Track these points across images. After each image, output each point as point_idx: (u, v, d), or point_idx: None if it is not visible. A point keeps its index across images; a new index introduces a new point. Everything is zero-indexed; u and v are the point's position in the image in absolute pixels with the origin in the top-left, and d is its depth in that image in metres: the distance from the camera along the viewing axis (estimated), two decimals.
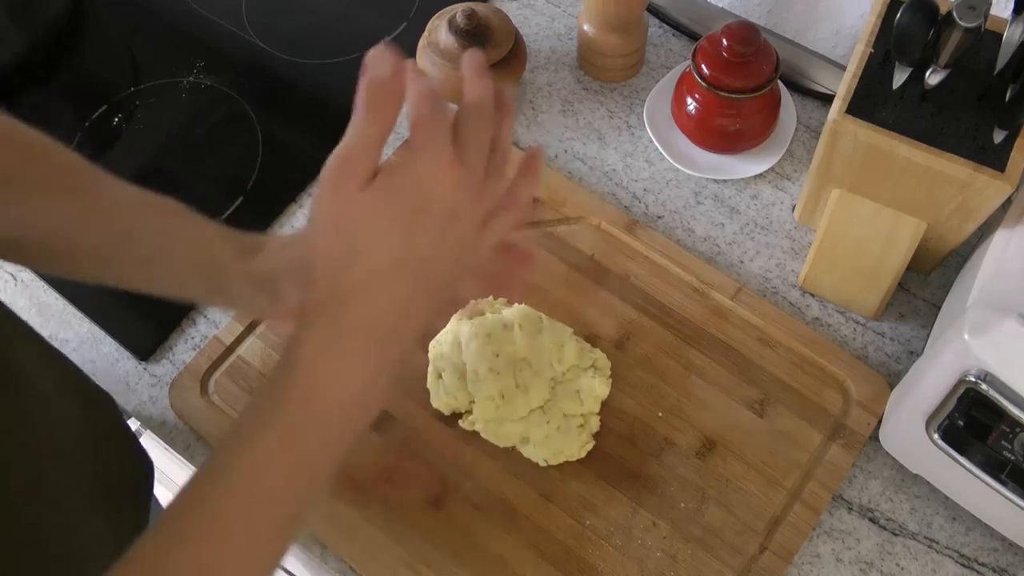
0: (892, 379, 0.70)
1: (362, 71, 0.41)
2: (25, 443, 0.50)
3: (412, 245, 0.43)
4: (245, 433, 0.42)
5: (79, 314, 0.78)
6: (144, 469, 0.68)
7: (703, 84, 0.75)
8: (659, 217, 0.80)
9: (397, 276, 0.43)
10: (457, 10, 0.81)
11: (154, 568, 0.38)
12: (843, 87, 0.64)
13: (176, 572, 0.38)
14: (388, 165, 0.43)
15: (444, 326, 0.70)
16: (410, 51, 0.85)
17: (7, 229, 0.51)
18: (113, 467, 0.62)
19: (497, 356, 0.66)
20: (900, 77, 0.63)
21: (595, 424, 0.67)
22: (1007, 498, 0.58)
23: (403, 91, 0.42)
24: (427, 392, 0.69)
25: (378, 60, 0.41)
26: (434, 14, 0.83)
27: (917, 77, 0.63)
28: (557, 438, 0.66)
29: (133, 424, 0.79)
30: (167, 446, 0.72)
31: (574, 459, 0.67)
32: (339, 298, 0.43)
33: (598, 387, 0.67)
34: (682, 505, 0.66)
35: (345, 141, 0.43)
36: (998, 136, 0.61)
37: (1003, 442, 0.56)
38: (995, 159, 0.60)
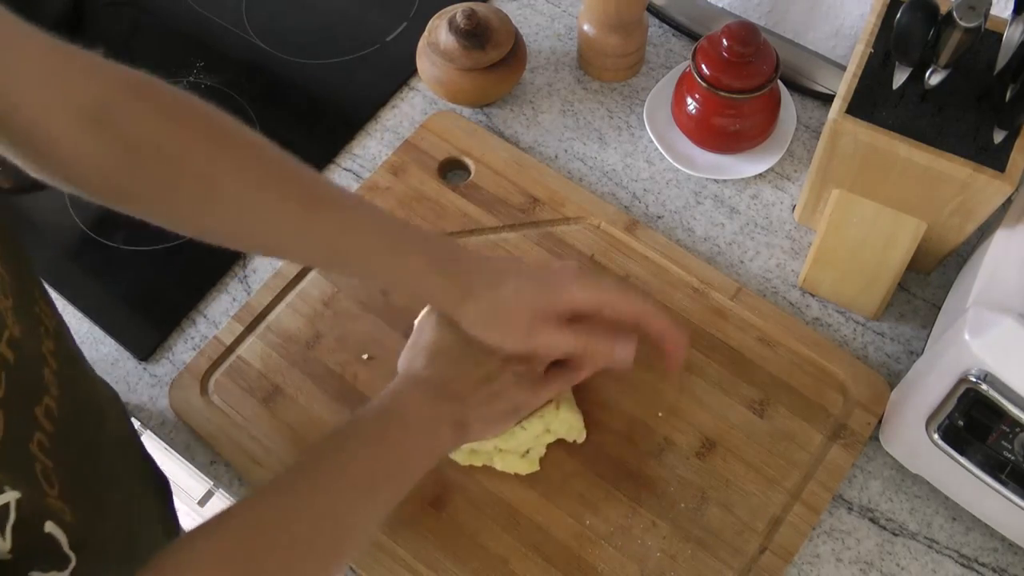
0: (892, 379, 0.70)
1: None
2: (94, 415, 0.54)
3: (471, 352, 0.60)
4: (346, 436, 0.55)
5: (79, 314, 0.78)
6: (163, 479, 0.69)
7: (703, 84, 0.75)
8: (659, 217, 0.80)
9: (454, 366, 0.60)
10: (457, 10, 0.81)
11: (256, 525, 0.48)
12: (843, 87, 0.64)
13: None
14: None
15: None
16: (410, 51, 0.85)
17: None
18: (140, 465, 0.64)
19: None
20: (900, 77, 0.63)
21: (541, 451, 0.67)
22: (1007, 498, 0.58)
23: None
24: None
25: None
26: (434, 14, 0.84)
27: (917, 77, 0.63)
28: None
29: (133, 424, 0.79)
30: (167, 446, 0.72)
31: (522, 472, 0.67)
32: (417, 370, 0.60)
33: (573, 421, 0.67)
34: (682, 505, 0.66)
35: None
36: (998, 136, 0.61)
37: (1003, 442, 0.56)
38: (995, 159, 0.60)
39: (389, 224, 0.59)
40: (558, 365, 0.62)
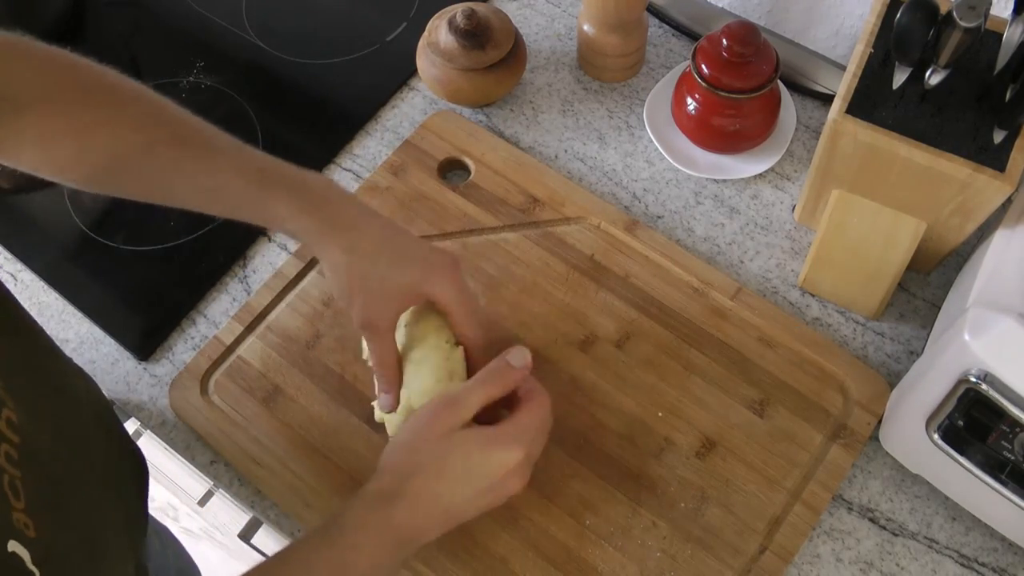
0: (892, 379, 0.70)
1: (504, 354, 0.57)
2: (47, 399, 0.53)
3: (459, 497, 0.54)
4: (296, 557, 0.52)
5: (79, 314, 0.78)
6: (140, 459, 0.68)
7: (703, 84, 0.76)
8: (659, 217, 0.80)
9: (435, 508, 0.54)
10: (457, 10, 0.81)
11: None
12: (843, 87, 0.64)
13: None
14: (481, 427, 0.56)
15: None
16: (410, 51, 0.85)
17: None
18: (115, 448, 0.63)
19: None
20: (900, 77, 0.63)
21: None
22: (1007, 498, 0.58)
23: (518, 382, 0.57)
24: None
25: (519, 355, 0.57)
26: (434, 14, 0.84)
27: (917, 77, 0.63)
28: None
29: (133, 424, 0.79)
30: (167, 446, 0.72)
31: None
32: (389, 497, 0.54)
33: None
34: (682, 505, 0.66)
35: (461, 391, 0.56)
36: (998, 136, 0.61)
37: (1003, 442, 0.56)
38: (995, 159, 0.60)
39: (258, 164, 0.59)
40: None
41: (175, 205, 0.60)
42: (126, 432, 0.68)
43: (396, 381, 0.61)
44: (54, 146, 0.57)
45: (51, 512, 0.47)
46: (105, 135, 0.57)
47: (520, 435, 0.55)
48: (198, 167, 0.58)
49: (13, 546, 0.42)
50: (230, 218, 0.60)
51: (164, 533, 0.89)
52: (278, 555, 0.52)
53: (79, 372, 0.65)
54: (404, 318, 0.64)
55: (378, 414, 0.64)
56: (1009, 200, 0.64)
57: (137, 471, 0.67)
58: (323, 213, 0.58)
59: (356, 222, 0.59)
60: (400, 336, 0.63)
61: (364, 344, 0.64)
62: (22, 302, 0.78)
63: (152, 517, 0.86)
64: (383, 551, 0.53)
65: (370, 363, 0.62)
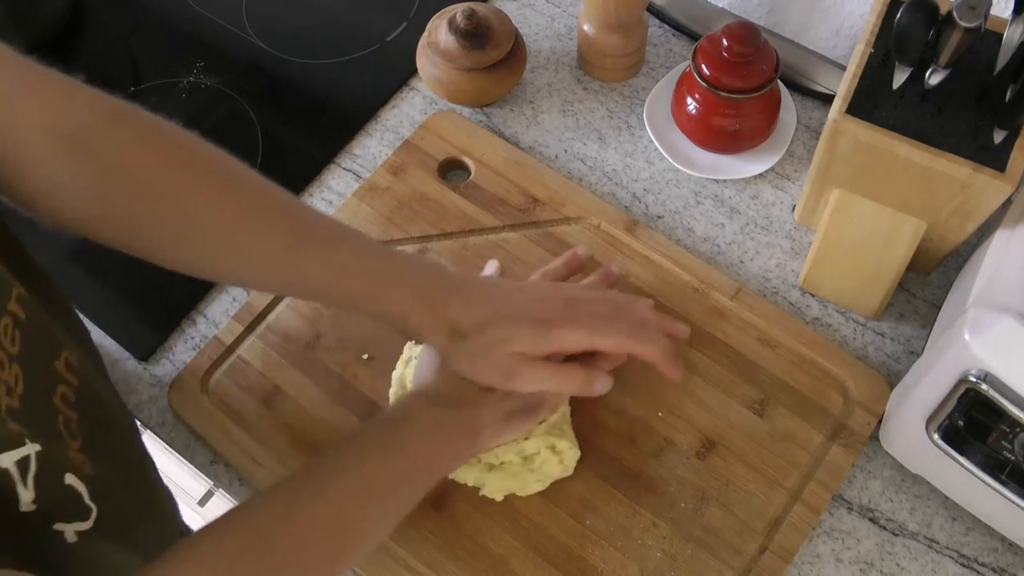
0: (892, 379, 0.70)
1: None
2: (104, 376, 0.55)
3: (514, 292, 0.60)
4: (354, 444, 0.56)
5: (79, 314, 0.78)
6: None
7: (703, 84, 0.76)
8: (659, 217, 0.80)
9: (489, 293, 0.60)
10: (457, 10, 0.81)
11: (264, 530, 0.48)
12: (843, 87, 0.64)
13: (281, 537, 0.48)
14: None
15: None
16: (410, 51, 0.85)
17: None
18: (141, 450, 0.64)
19: None
20: (900, 77, 0.63)
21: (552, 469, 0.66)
22: (1007, 498, 0.58)
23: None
24: None
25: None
26: (434, 14, 0.84)
27: (917, 77, 0.63)
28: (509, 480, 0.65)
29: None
30: (167, 446, 0.72)
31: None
32: (426, 383, 0.60)
33: (557, 467, 0.66)
34: (682, 505, 0.66)
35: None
36: (998, 136, 0.61)
37: (1003, 442, 0.56)
38: (995, 159, 0.60)
39: (373, 259, 0.58)
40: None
41: (278, 293, 0.62)
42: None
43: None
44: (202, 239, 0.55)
45: (106, 456, 0.48)
46: (214, 218, 0.54)
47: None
48: (312, 263, 0.56)
49: (70, 479, 0.43)
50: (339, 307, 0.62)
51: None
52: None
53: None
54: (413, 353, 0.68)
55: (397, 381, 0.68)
56: (1009, 200, 0.64)
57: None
58: (438, 304, 0.58)
59: (466, 307, 0.59)
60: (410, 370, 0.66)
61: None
62: None
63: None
64: (437, 418, 0.56)
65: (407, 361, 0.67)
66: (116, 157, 0.51)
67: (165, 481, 0.68)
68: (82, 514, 0.44)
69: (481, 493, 0.65)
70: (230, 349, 0.73)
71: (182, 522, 0.69)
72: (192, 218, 0.53)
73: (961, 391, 0.56)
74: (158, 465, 0.68)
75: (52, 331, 0.46)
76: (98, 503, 0.44)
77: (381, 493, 0.54)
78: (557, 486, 0.66)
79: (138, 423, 0.74)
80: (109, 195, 0.52)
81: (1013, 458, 0.56)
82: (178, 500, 0.75)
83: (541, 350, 0.58)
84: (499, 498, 0.65)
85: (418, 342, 0.67)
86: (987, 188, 0.61)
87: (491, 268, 0.73)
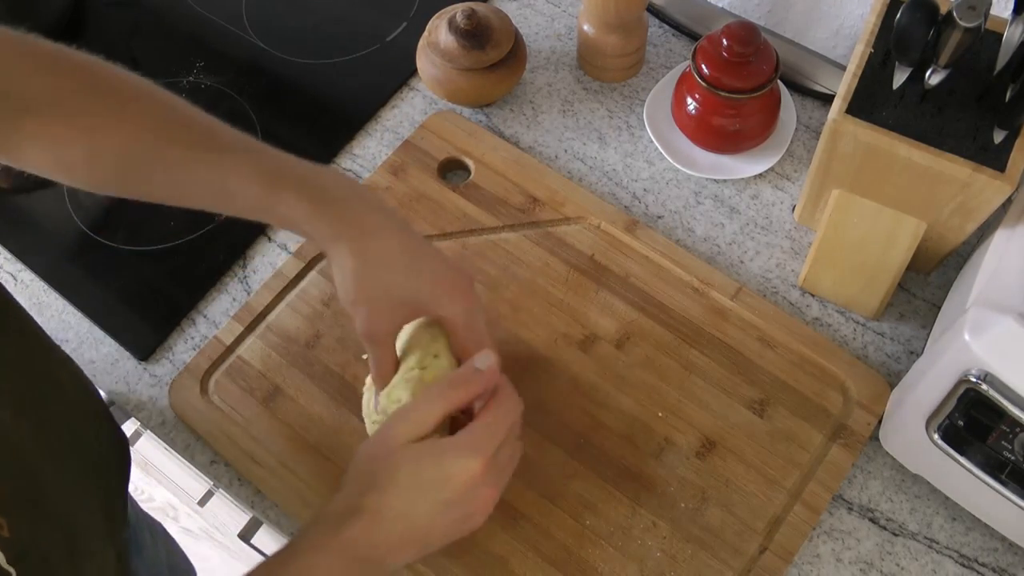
0: (892, 379, 0.70)
1: (470, 363, 0.55)
2: (29, 393, 0.53)
3: (419, 513, 0.52)
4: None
5: (79, 314, 0.78)
6: (125, 450, 0.68)
7: (703, 84, 0.76)
8: (659, 217, 0.80)
9: (394, 524, 0.51)
10: (457, 10, 0.81)
11: None
12: (843, 87, 0.64)
13: None
14: (436, 438, 0.54)
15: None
16: (410, 51, 0.85)
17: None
18: (101, 440, 0.63)
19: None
20: (900, 77, 0.63)
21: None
22: (1007, 498, 0.58)
23: (486, 387, 0.54)
24: None
25: (484, 358, 0.55)
26: (434, 14, 0.84)
27: (917, 77, 0.63)
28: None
29: (133, 424, 0.79)
30: (167, 446, 0.72)
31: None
32: (345, 515, 0.51)
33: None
34: (682, 505, 0.66)
35: (418, 402, 0.54)
36: (998, 136, 0.61)
37: (1003, 442, 0.56)
38: (995, 159, 0.60)
39: (270, 164, 0.57)
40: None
41: (186, 206, 0.59)
42: (114, 422, 0.68)
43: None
44: (62, 148, 0.56)
45: (28, 509, 0.47)
46: (114, 137, 0.56)
47: (477, 442, 0.52)
48: (209, 169, 0.57)
49: None
50: (244, 217, 0.59)
51: (156, 528, 0.89)
52: None
53: (67, 361, 0.64)
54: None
55: (364, 407, 0.64)
56: (1009, 200, 0.64)
57: (121, 461, 0.67)
58: (337, 216, 0.56)
59: (372, 227, 0.57)
60: (400, 339, 0.62)
61: (365, 345, 0.63)
62: (22, 302, 0.79)
63: (145, 512, 0.86)
64: (341, 570, 0.50)
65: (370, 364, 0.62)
66: (18, 84, 0.54)
67: (162, 488, 0.67)
68: None
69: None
70: (230, 349, 0.73)
71: (124, 542, 0.66)
72: (94, 136, 0.56)
73: (961, 391, 0.56)
74: (161, 468, 0.67)
75: None
76: (16, 565, 0.43)
77: None
78: (557, 486, 0.66)
79: (138, 423, 0.74)
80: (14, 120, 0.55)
81: (1013, 458, 0.56)
82: (178, 500, 0.75)
83: (419, 302, 0.57)
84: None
85: (322, 251, 0.61)
86: (987, 188, 0.61)
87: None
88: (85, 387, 0.65)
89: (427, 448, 0.52)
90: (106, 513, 0.59)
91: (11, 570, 0.42)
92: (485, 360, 0.55)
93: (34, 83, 0.55)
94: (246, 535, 0.85)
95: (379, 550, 0.51)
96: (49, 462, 0.51)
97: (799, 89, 0.85)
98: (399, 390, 0.59)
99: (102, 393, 0.78)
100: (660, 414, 0.69)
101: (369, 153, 0.85)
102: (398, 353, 0.61)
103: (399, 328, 0.60)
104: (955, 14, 0.56)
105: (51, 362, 0.59)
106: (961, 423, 0.58)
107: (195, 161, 0.57)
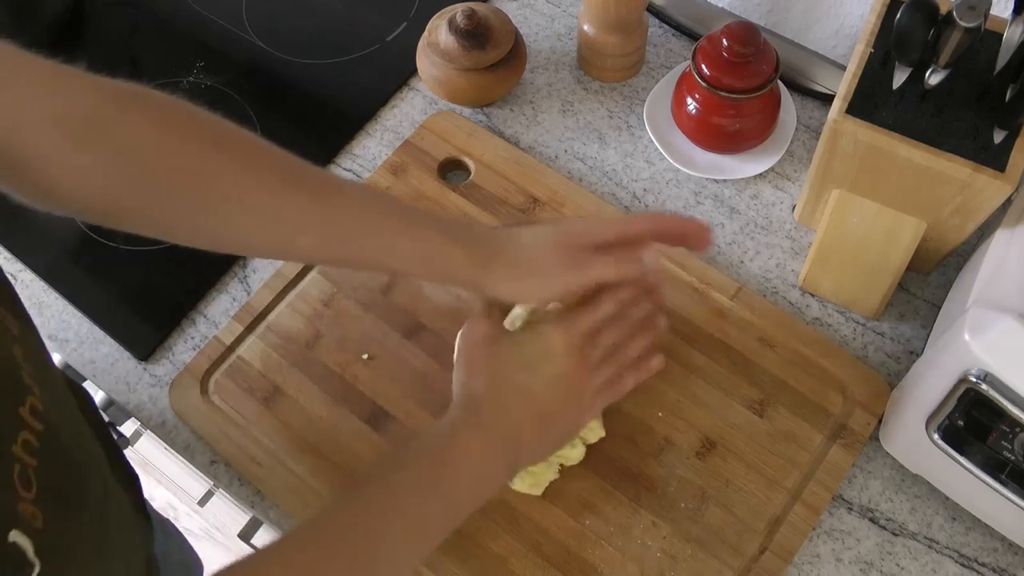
0: (892, 379, 0.70)
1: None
2: (58, 396, 0.52)
3: (529, 383, 0.57)
4: (396, 481, 0.53)
5: (79, 314, 0.78)
6: (131, 471, 0.69)
7: (703, 84, 0.76)
8: None
9: (519, 397, 0.56)
10: (457, 10, 0.81)
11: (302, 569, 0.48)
12: (843, 87, 0.64)
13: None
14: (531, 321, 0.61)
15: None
16: (410, 51, 0.85)
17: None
18: (109, 445, 0.63)
19: None
20: (900, 77, 0.63)
21: (576, 455, 0.66)
22: (1007, 498, 0.58)
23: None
24: (425, 391, 0.70)
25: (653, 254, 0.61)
26: (434, 14, 0.84)
27: (917, 77, 0.63)
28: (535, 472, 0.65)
29: (133, 424, 0.79)
30: (167, 446, 0.72)
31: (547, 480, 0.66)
32: (474, 403, 0.56)
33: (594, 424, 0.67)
34: (682, 505, 0.66)
35: (482, 311, 0.60)
36: (998, 136, 0.61)
37: (1003, 442, 0.56)
38: (995, 159, 0.60)
39: (399, 204, 0.59)
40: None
41: (315, 261, 0.63)
42: (110, 432, 0.68)
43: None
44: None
45: (63, 503, 0.47)
46: (236, 186, 0.54)
47: (565, 319, 0.58)
48: (341, 212, 0.57)
49: (15, 536, 0.41)
50: (368, 263, 0.60)
51: (167, 526, 0.89)
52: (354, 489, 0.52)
53: (70, 377, 0.65)
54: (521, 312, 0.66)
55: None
56: (1009, 200, 0.64)
57: (126, 464, 0.68)
58: (475, 243, 0.58)
59: (501, 240, 0.59)
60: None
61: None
62: (22, 302, 0.79)
63: (155, 510, 0.86)
64: (480, 449, 0.54)
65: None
66: (131, 139, 0.52)
67: (162, 488, 0.67)
68: (20, 571, 0.42)
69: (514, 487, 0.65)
70: (230, 349, 0.73)
71: (152, 545, 0.67)
72: (212, 190, 0.54)
73: (961, 391, 0.56)
74: (161, 468, 0.68)
75: (13, 376, 0.45)
76: (43, 557, 0.43)
77: (417, 537, 0.53)
78: (557, 486, 0.66)
79: (138, 423, 0.74)
80: (129, 178, 0.52)
81: (1013, 458, 0.56)
82: (178, 500, 0.75)
83: (576, 236, 0.58)
84: (538, 492, 0.66)
85: (450, 282, 0.65)
86: (987, 188, 0.61)
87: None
88: (83, 395, 0.65)
89: (520, 332, 0.59)
90: (136, 514, 0.60)
91: (36, 561, 0.42)
92: (650, 255, 0.60)
93: (153, 138, 0.53)
94: (246, 535, 0.85)
95: (515, 428, 0.56)
96: (83, 461, 0.51)
97: (799, 89, 0.85)
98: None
99: (101, 393, 0.79)
100: (660, 414, 0.69)
101: (369, 153, 0.85)
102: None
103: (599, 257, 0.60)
104: (955, 14, 0.56)
105: (63, 378, 0.59)
106: (961, 423, 0.58)
107: (326, 208, 0.56)
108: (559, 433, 0.59)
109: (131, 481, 0.68)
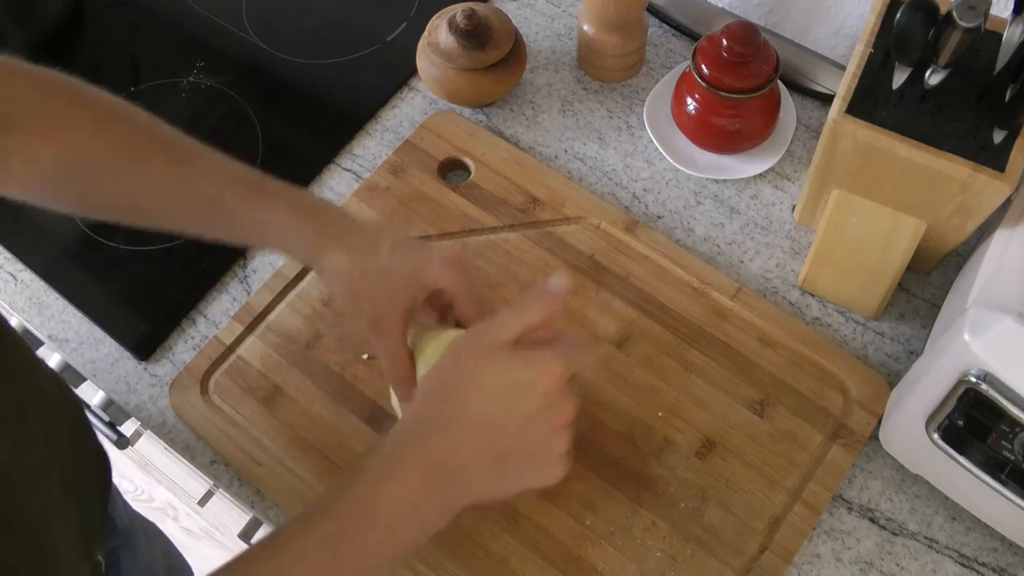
0: (892, 379, 0.70)
1: (544, 283, 0.51)
2: (13, 409, 0.52)
3: (498, 413, 0.49)
4: (311, 519, 0.47)
5: (79, 314, 0.78)
6: (104, 461, 0.69)
7: (703, 84, 0.76)
8: (659, 217, 0.80)
9: (474, 426, 0.49)
10: (457, 10, 0.81)
11: None
12: (843, 87, 0.64)
13: None
14: (518, 344, 0.51)
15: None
16: (410, 51, 0.85)
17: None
18: (80, 452, 0.63)
19: None
20: (900, 77, 0.63)
21: None
22: (1007, 498, 0.58)
23: (558, 307, 0.51)
24: None
25: (559, 280, 0.51)
26: (434, 14, 0.84)
27: (917, 77, 0.63)
28: None
29: (133, 424, 0.79)
30: (167, 446, 0.72)
31: None
32: (427, 424, 0.50)
33: None
34: (682, 505, 0.66)
35: (500, 315, 0.51)
36: (998, 136, 0.61)
37: (1003, 442, 0.56)
38: (995, 159, 0.61)
39: (249, 175, 0.59)
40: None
41: (165, 223, 0.60)
42: (94, 434, 0.68)
43: (410, 375, 0.58)
44: (42, 162, 0.56)
45: (2, 525, 0.46)
46: (94, 147, 0.57)
47: (558, 350, 0.50)
48: (192, 178, 0.58)
49: None
50: (219, 236, 0.59)
51: (151, 529, 0.89)
52: (305, 512, 0.48)
53: (51, 375, 0.64)
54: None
55: (394, 401, 0.64)
56: (1009, 200, 0.64)
57: (101, 473, 0.67)
58: (319, 219, 0.58)
59: (352, 226, 0.59)
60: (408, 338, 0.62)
61: (374, 340, 0.61)
62: (22, 302, 0.79)
63: (139, 514, 0.86)
64: (420, 483, 0.48)
65: (381, 361, 0.60)
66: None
67: (162, 488, 0.67)
68: None
69: None
70: (230, 349, 0.73)
71: (100, 554, 0.66)
72: (72, 152, 0.57)
73: (961, 391, 0.56)
74: (161, 468, 0.67)
75: None
76: None
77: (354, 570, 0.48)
78: (557, 486, 0.66)
79: (138, 423, 0.74)
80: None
81: (1013, 458, 0.56)
82: (178, 500, 0.75)
83: (420, 277, 0.57)
84: None
85: (306, 262, 0.62)
86: (987, 188, 0.61)
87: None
88: (70, 401, 0.65)
89: (513, 351, 0.50)
90: (83, 530, 0.59)
91: None
92: (559, 282, 0.52)
93: (14, 99, 0.55)
94: (246, 535, 0.85)
95: (462, 461, 0.49)
96: (25, 479, 0.51)
97: (799, 89, 0.85)
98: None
99: (100, 394, 0.79)
100: (660, 414, 0.69)
101: (369, 153, 0.85)
102: (412, 355, 0.60)
103: (405, 312, 0.58)
104: (955, 14, 0.56)
105: (36, 375, 0.59)
106: (961, 423, 0.58)
107: (179, 172, 0.58)
108: (515, 483, 0.52)
109: (100, 487, 0.67)
